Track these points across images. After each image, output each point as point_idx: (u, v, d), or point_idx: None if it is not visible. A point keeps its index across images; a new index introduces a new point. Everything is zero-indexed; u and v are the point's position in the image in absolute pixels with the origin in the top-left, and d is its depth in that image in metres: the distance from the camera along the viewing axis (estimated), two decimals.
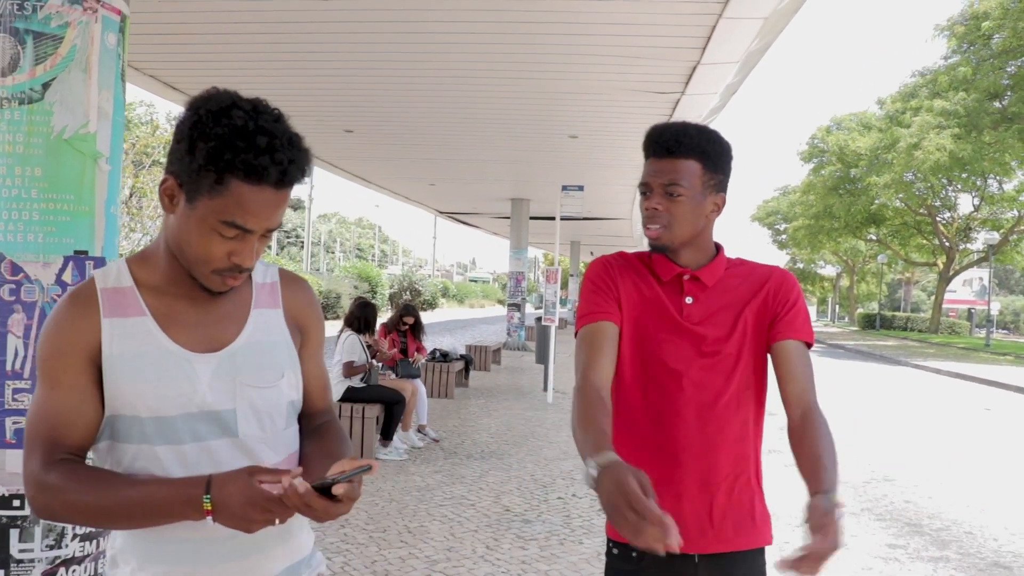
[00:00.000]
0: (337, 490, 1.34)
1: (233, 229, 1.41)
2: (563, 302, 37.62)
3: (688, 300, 2.00)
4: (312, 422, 1.69)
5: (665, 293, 2.02)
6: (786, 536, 5.73)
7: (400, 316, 9.75)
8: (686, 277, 2.01)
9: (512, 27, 7.89)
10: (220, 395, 1.50)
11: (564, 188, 14.05)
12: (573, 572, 4.98)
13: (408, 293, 42.60)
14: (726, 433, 1.98)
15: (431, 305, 44.86)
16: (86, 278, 3.21)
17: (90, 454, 1.53)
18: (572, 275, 40.35)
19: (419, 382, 9.12)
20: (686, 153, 1.93)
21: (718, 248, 2.08)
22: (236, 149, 1.35)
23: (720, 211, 2.02)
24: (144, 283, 1.52)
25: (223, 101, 1.39)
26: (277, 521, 1.35)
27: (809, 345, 2.01)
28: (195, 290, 1.52)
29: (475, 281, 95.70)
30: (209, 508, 1.34)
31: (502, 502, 6.55)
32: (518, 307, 23.01)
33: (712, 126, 2.09)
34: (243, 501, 1.32)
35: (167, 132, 22.85)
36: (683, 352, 1.98)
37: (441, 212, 28.97)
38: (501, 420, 10.66)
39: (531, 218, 23.38)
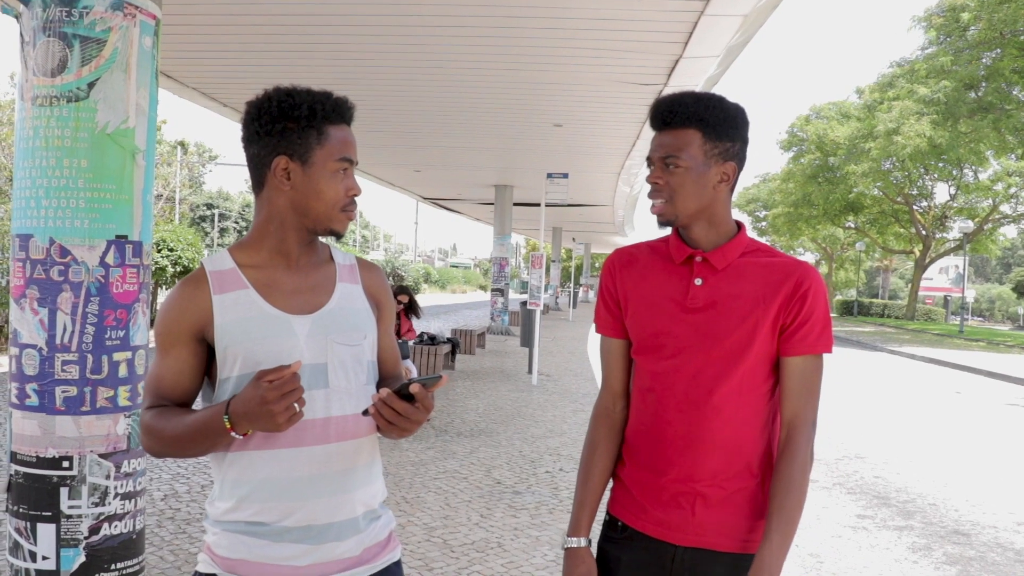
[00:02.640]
0: (413, 388, 1.66)
1: (345, 163, 1.80)
2: (546, 287, 38.00)
3: (697, 282, 1.93)
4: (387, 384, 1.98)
5: (676, 275, 1.97)
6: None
7: (394, 295, 9.99)
8: (697, 259, 1.94)
9: (499, 20, 8.16)
10: (315, 351, 1.79)
11: (549, 175, 14.34)
12: (562, 538, 5.32)
13: (391, 278, 42.82)
14: (721, 424, 1.90)
15: (414, 290, 45.09)
16: (132, 258, 3.49)
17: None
18: (554, 261, 40.69)
19: (410, 362, 9.44)
20: (682, 123, 1.88)
21: (740, 228, 1.99)
22: (323, 105, 1.77)
23: (730, 182, 1.93)
24: (244, 264, 1.83)
25: (283, 90, 1.79)
26: (297, 407, 1.57)
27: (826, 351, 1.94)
28: (292, 263, 1.84)
29: (456, 267, 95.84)
30: (229, 426, 1.61)
31: (493, 476, 6.89)
32: (502, 292, 23.31)
33: None
34: (254, 398, 1.55)
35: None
36: (682, 335, 1.92)
37: (425, 198, 29.17)
38: (488, 401, 11.00)
39: (515, 204, 23.66)
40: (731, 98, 1.95)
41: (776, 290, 1.89)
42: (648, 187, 1.99)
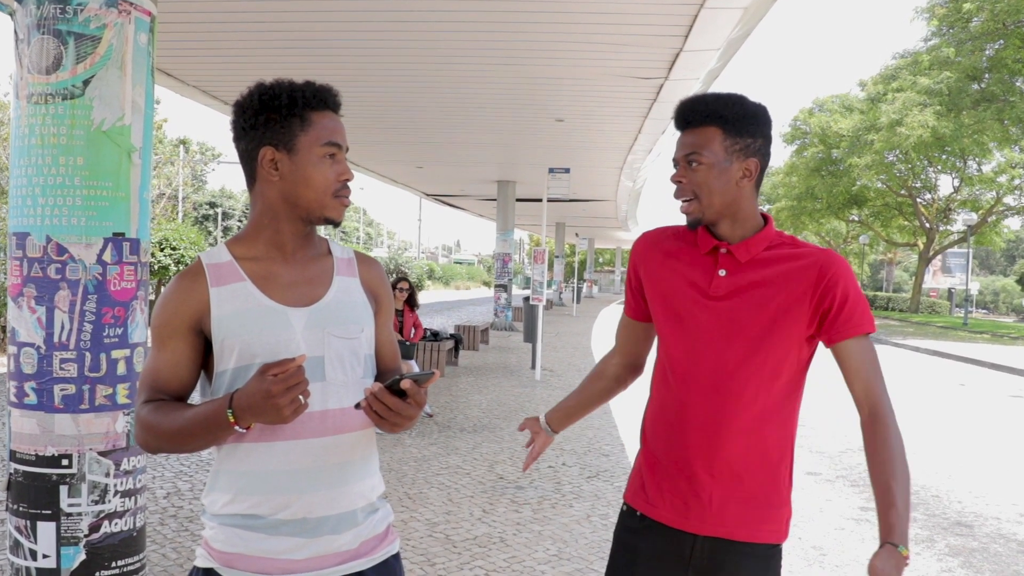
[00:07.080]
0: (404, 384, 1.65)
1: (332, 147, 1.80)
2: (549, 283, 37.95)
3: (721, 272, 1.97)
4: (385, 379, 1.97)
5: (701, 263, 2.00)
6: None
7: (394, 285, 9.84)
8: (722, 250, 1.98)
9: (499, 15, 8.13)
10: (312, 343, 1.78)
11: (551, 170, 14.30)
12: (564, 532, 5.33)
13: (394, 275, 42.89)
14: (741, 410, 1.93)
15: (418, 287, 45.12)
16: (124, 254, 3.47)
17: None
18: (557, 256, 40.69)
19: (413, 362, 9.42)
20: (702, 121, 1.93)
21: (766, 221, 2.02)
22: (303, 92, 1.78)
23: (753, 177, 1.96)
24: (241, 257, 1.82)
25: (264, 84, 1.81)
26: (302, 398, 1.59)
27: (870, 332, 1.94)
28: (288, 256, 1.84)
29: (460, 263, 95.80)
30: (232, 420, 1.61)
31: (495, 471, 6.89)
32: (505, 288, 23.31)
33: None
34: (259, 391, 1.55)
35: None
36: (705, 321, 1.96)
37: (427, 194, 29.15)
38: (491, 396, 11.00)
39: (517, 200, 23.63)
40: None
41: (800, 280, 1.92)
42: (674, 189, 2.02)
